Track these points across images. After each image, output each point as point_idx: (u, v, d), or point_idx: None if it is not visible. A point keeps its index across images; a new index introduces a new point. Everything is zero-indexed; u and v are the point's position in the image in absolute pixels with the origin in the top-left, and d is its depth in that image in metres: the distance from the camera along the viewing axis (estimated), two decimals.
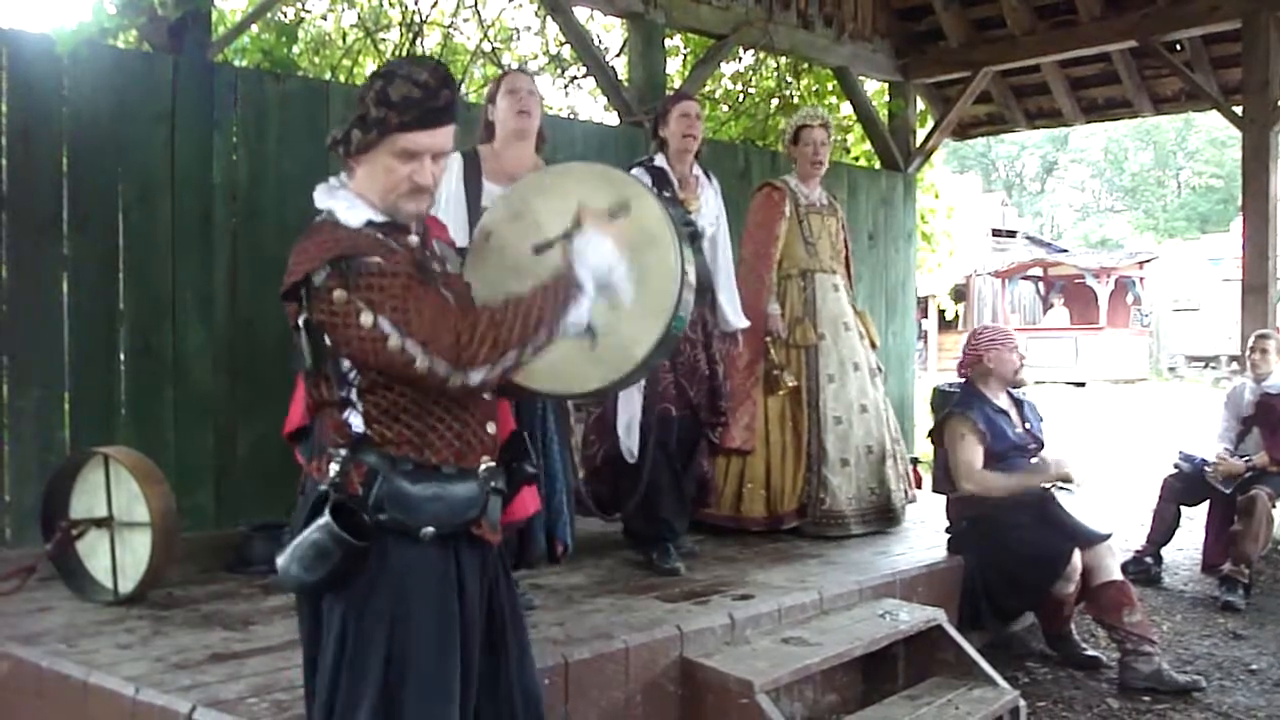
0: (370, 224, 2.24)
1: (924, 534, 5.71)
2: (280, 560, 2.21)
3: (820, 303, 5.80)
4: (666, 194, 4.72)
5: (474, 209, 3.90)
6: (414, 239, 2.32)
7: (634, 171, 4.60)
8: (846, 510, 5.64)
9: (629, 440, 4.81)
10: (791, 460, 5.68)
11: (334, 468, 2.23)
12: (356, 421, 2.24)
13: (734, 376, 5.58)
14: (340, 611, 2.23)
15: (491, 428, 2.38)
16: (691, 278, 2.49)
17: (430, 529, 2.24)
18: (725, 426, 5.20)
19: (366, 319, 2.12)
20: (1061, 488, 5.16)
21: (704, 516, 5.59)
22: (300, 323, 2.21)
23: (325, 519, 2.16)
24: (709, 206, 4.98)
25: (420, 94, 2.19)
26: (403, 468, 2.24)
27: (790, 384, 5.66)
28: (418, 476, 2.25)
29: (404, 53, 8.89)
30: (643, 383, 4.70)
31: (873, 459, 5.77)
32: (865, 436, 5.76)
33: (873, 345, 6.02)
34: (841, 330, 5.82)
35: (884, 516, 5.78)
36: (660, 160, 4.92)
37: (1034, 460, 5.28)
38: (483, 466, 2.34)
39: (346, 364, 2.22)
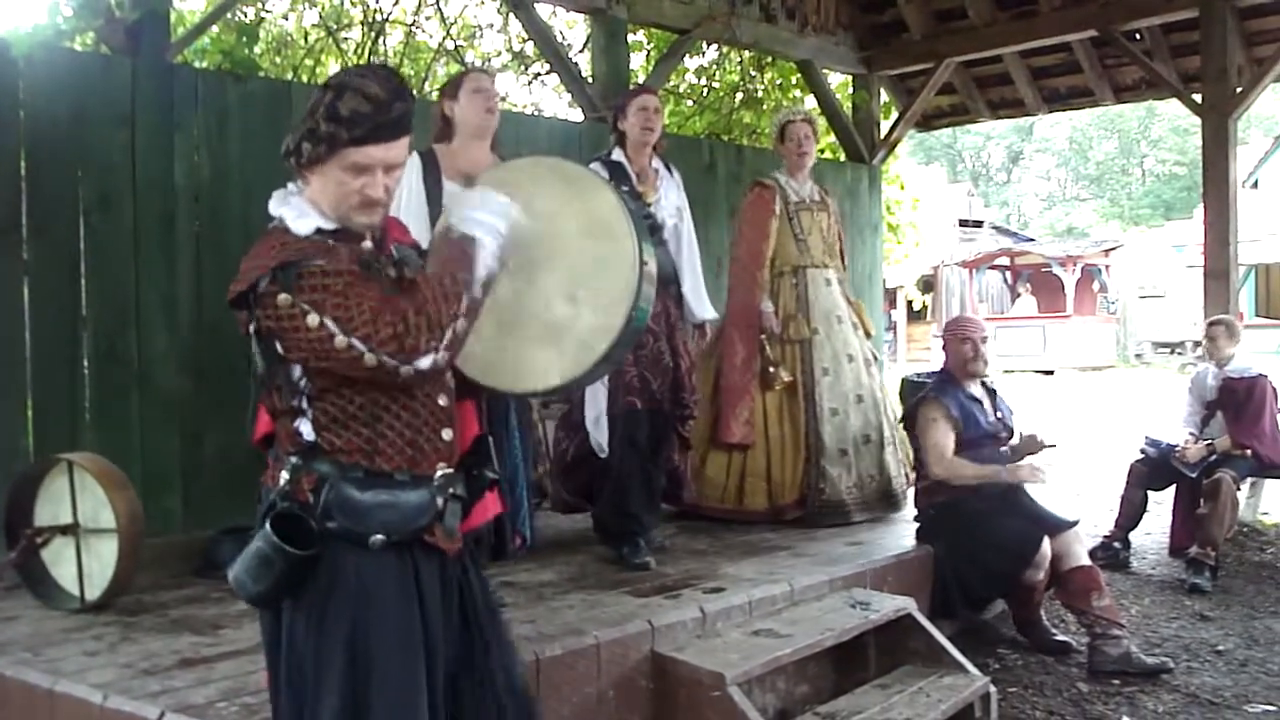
0: (319, 231, 2.22)
1: (894, 524, 5.75)
2: (231, 571, 2.20)
3: (813, 298, 5.88)
4: (624, 188, 4.72)
5: (435, 208, 3.91)
6: (367, 244, 2.29)
7: (591, 166, 4.60)
8: (846, 499, 5.74)
9: (598, 434, 4.82)
10: (791, 453, 5.76)
11: (284, 475, 2.22)
12: (307, 429, 2.22)
13: (730, 373, 5.73)
14: (300, 621, 2.22)
15: (448, 434, 2.35)
16: (651, 269, 2.49)
17: (380, 537, 2.21)
18: (692, 419, 5.20)
19: (312, 320, 2.11)
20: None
21: (706, 509, 5.74)
22: (251, 330, 2.20)
23: (265, 529, 2.15)
24: (668, 199, 4.99)
25: (370, 108, 2.16)
26: (353, 475, 2.22)
27: (786, 379, 5.76)
28: (367, 484, 2.22)
29: (366, 51, 8.85)
30: (608, 377, 4.70)
31: (871, 447, 5.86)
32: (863, 426, 5.84)
33: (867, 335, 6.12)
34: (834, 324, 5.91)
35: (885, 502, 5.89)
36: (618, 154, 4.93)
37: (1004, 449, 5.32)
38: (438, 473, 2.31)
39: (298, 371, 2.20)
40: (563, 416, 5.07)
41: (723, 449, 5.76)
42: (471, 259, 2.26)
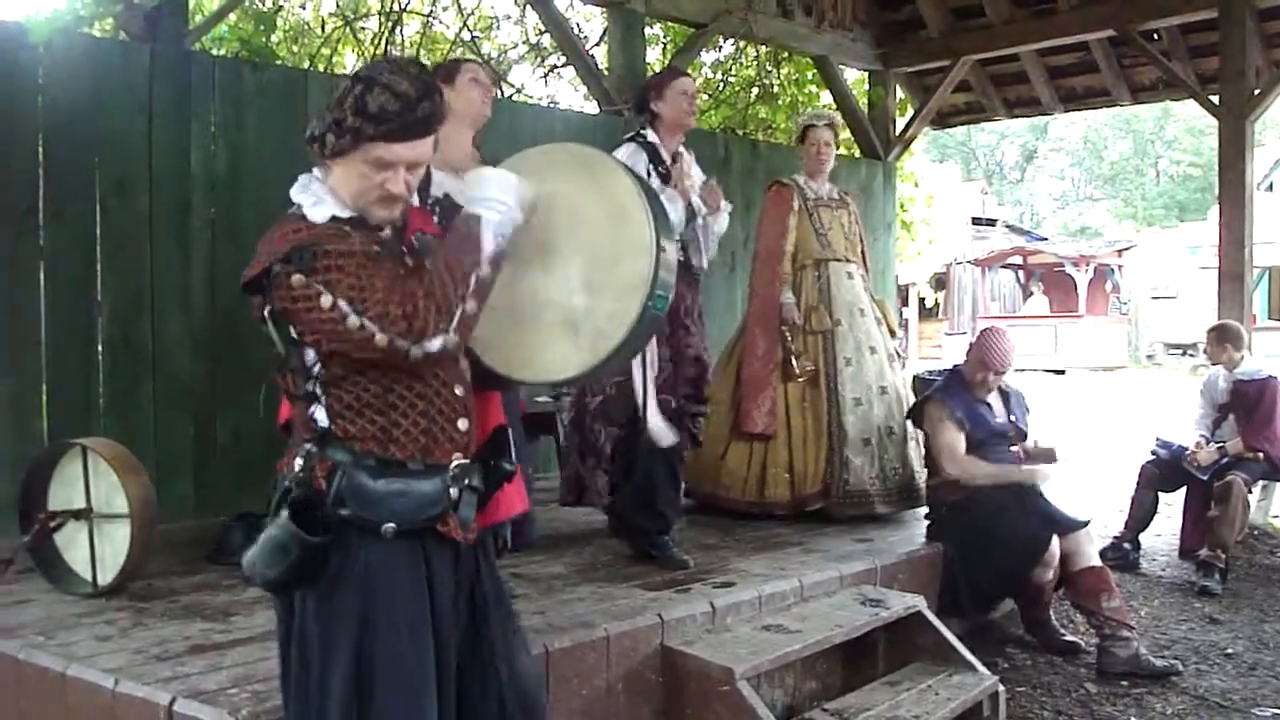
0: (335, 219, 2.22)
1: (905, 521, 5.73)
2: (245, 557, 2.20)
3: (835, 290, 5.90)
4: (660, 169, 4.62)
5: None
6: (385, 233, 2.29)
7: (627, 150, 4.53)
8: (870, 489, 5.71)
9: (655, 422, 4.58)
10: (813, 443, 5.75)
11: (299, 462, 2.22)
12: (321, 416, 2.22)
13: (752, 364, 5.75)
14: (310, 607, 2.22)
15: (464, 424, 2.34)
16: (669, 256, 2.44)
17: (391, 525, 2.21)
18: (703, 416, 5.14)
19: (325, 300, 2.11)
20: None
21: (729, 504, 5.71)
22: (265, 314, 2.20)
23: (283, 516, 2.15)
24: (697, 186, 4.80)
25: (398, 106, 2.15)
26: (365, 463, 2.22)
27: (808, 369, 5.75)
28: (380, 472, 2.23)
29: (383, 42, 8.85)
30: (644, 374, 4.58)
31: (895, 439, 5.85)
32: (886, 417, 5.83)
33: (891, 333, 6.12)
34: (857, 316, 5.92)
35: (907, 496, 5.85)
36: (651, 135, 4.71)
37: (1014, 449, 5.32)
38: (453, 463, 2.31)
39: (311, 357, 2.20)
40: (597, 406, 4.77)
41: (744, 440, 5.75)
42: (477, 237, 2.24)
